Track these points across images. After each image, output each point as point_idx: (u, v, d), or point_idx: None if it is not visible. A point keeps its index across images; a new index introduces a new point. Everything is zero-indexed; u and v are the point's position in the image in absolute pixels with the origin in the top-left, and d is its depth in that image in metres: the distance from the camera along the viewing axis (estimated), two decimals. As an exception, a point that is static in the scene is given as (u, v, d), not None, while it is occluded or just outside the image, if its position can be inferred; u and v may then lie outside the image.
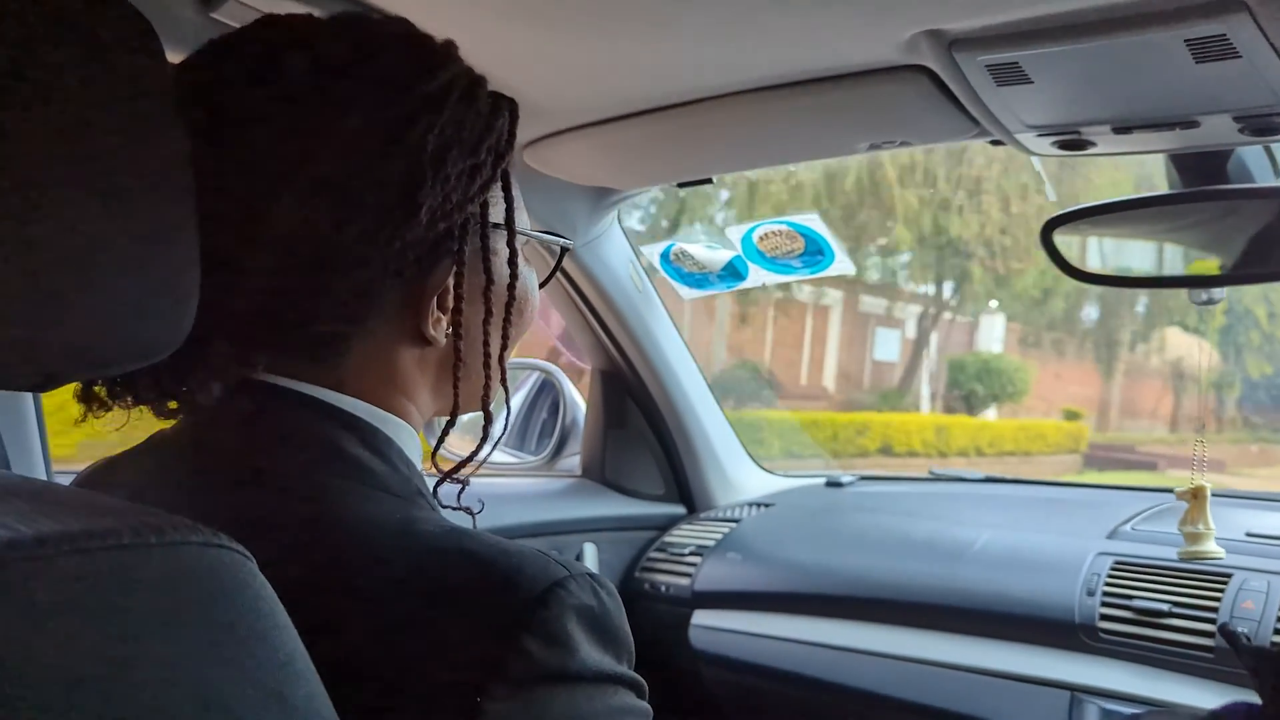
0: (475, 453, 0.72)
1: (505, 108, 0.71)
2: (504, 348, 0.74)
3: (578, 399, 2.04)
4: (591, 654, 0.59)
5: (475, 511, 0.74)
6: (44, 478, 1.18)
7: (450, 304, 0.69)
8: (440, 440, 0.72)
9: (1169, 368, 18.68)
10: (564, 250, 0.85)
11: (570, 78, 1.21)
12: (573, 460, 2.04)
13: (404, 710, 0.55)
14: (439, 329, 0.69)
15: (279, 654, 0.47)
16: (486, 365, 0.72)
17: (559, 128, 1.38)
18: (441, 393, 0.73)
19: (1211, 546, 1.38)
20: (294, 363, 0.67)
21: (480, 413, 0.74)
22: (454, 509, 0.74)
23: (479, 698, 0.54)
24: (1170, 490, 1.76)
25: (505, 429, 2.06)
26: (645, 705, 0.62)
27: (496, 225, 0.71)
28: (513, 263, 0.73)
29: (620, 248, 1.82)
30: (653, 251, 1.84)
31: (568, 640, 0.57)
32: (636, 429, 1.99)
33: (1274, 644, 1.28)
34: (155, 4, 0.49)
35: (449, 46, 0.70)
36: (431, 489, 0.72)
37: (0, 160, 0.43)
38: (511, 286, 0.73)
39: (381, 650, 0.56)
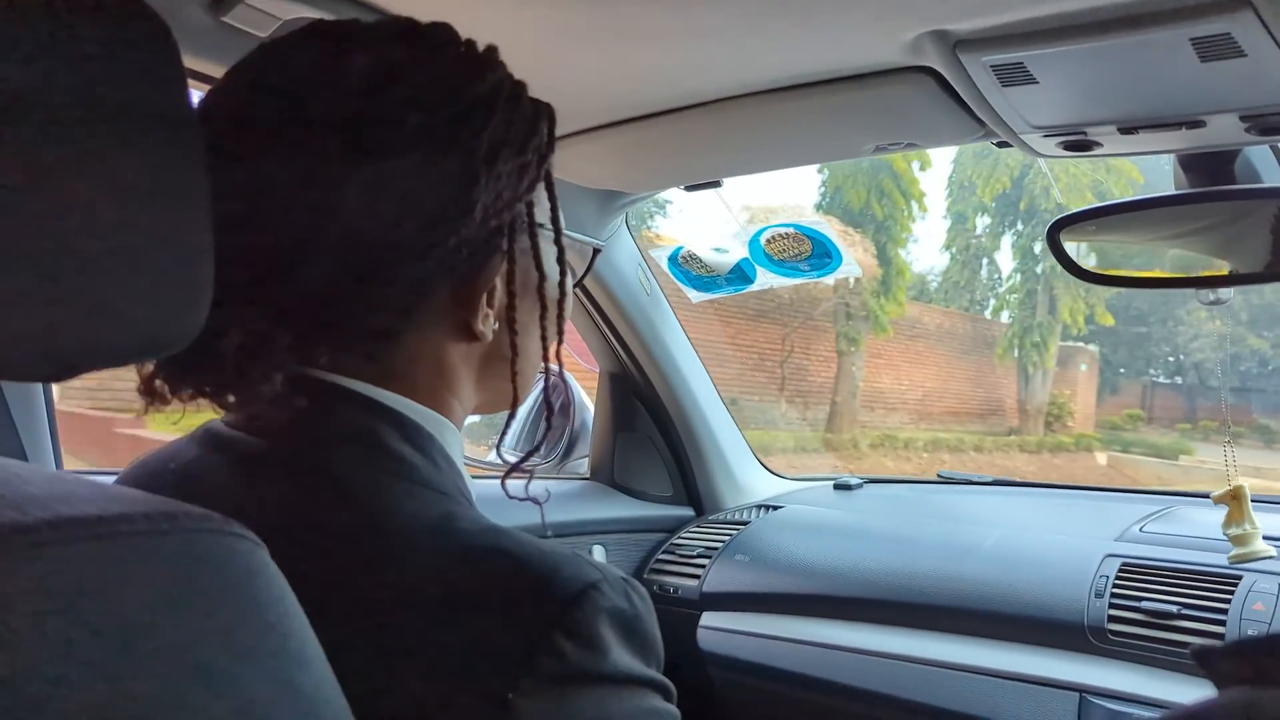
0: (537, 447, 0.75)
1: (545, 111, 0.73)
2: (560, 342, 0.76)
3: (586, 401, 2.05)
4: (622, 656, 0.59)
5: (542, 501, 0.78)
6: (53, 468, 1.19)
7: (499, 300, 0.71)
8: (504, 433, 0.75)
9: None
10: (596, 252, 0.86)
11: (579, 81, 1.21)
12: (581, 463, 2.04)
13: (436, 704, 0.56)
14: (487, 324, 0.71)
15: (290, 641, 0.47)
16: (545, 359, 0.75)
17: (568, 131, 1.38)
18: (485, 387, 0.75)
19: (1261, 545, 1.37)
20: (347, 356, 0.68)
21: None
22: (522, 499, 0.77)
23: (510, 694, 0.55)
24: (1183, 494, 1.76)
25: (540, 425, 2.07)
26: (674, 709, 0.63)
27: (541, 225, 0.73)
28: (561, 260, 0.75)
29: (628, 251, 1.83)
30: (661, 254, 1.84)
31: (599, 642, 0.58)
32: (645, 431, 2.00)
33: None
34: (164, 6, 0.49)
35: (492, 52, 0.72)
36: (499, 482, 0.75)
37: (14, 156, 0.44)
38: (562, 283, 0.75)
39: (416, 643, 0.57)
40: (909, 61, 1.05)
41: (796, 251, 1.67)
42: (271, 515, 0.50)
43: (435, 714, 0.56)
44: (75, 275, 0.45)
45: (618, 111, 1.32)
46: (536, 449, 0.83)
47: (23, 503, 0.43)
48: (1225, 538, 1.41)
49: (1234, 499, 1.41)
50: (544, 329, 0.74)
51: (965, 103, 1.09)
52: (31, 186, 0.44)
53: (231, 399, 0.67)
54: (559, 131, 1.36)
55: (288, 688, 0.46)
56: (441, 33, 0.70)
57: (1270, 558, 1.37)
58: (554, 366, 0.78)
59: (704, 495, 2.03)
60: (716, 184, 1.57)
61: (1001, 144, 1.21)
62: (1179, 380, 18.45)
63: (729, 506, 2.02)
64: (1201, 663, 0.64)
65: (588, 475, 2.04)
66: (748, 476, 2.08)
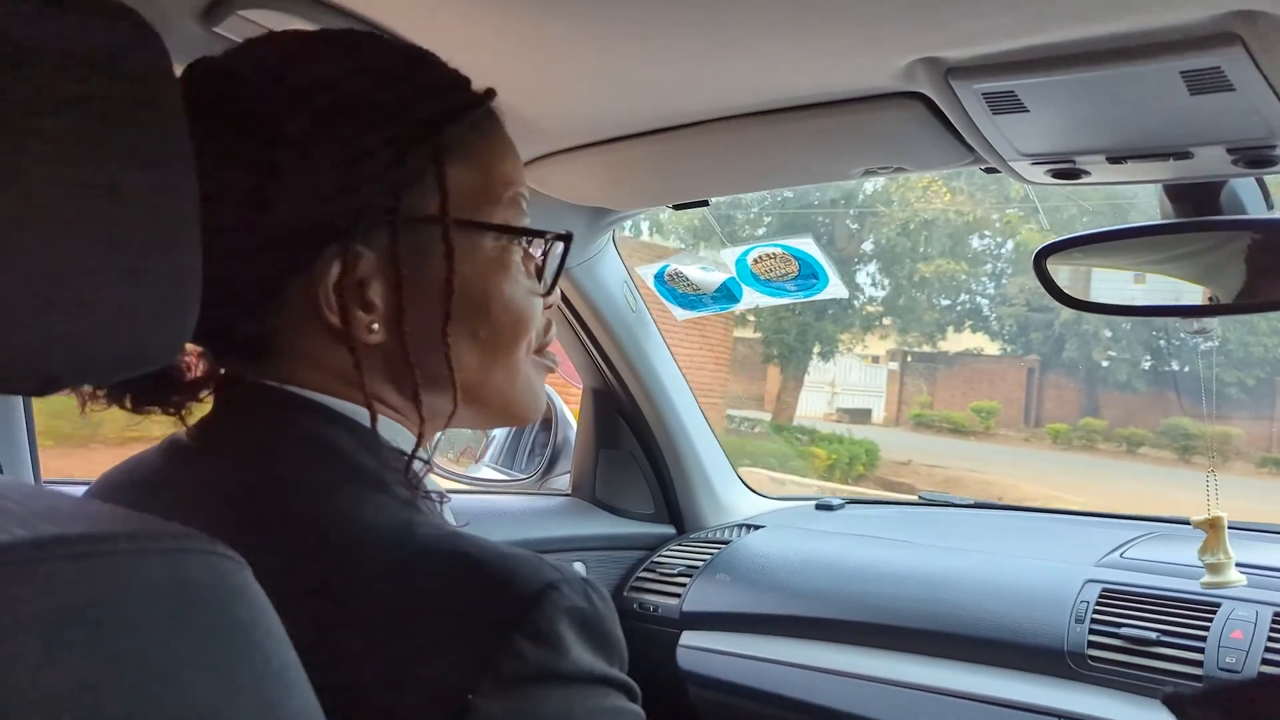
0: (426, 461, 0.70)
1: (433, 92, 0.69)
2: (446, 348, 0.70)
3: (569, 418, 2.04)
4: (583, 655, 0.59)
5: (443, 501, 0.71)
6: (32, 482, 1.18)
7: (378, 302, 0.67)
8: (413, 452, 0.68)
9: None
10: (561, 239, 0.76)
11: (569, 99, 1.21)
12: (563, 479, 2.04)
13: (399, 708, 0.56)
14: (359, 325, 0.67)
15: (273, 664, 0.47)
16: (451, 370, 0.69)
17: (557, 148, 1.38)
18: (406, 395, 0.70)
19: (1234, 575, 1.38)
20: (256, 363, 0.68)
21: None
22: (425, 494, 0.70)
23: (470, 695, 0.55)
24: (1164, 519, 1.77)
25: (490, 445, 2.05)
26: (637, 709, 0.63)
27: (429, 219, 0.68)
28: (448, 256, 0.68)
29: (615, 268, 1.83)
30: (647, 272, 1.84)
31: (559, 641, 0.58)
32: (627, 448, 1.99)
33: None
34: (156, 16, 0.49)
35: (352, 36, 0.72)
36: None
37: (4, 165, 0.43)
38: (449, 282, 0.68)
39: (377, 649, 0.57)
40: (900, 87, 1.06)
41: (783, 271, 1.67)
42: (231, 527, 0.50)
43: (399, 717, 0.56)
44: (64, 288, 0.45)
45: (608, 130, 1.32)
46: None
47: (3, 520, 0.42)
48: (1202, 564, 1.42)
49: (1212, 527, 1.42)
50: (446, 334, 0.68)
51: (955, 129, 1.09)
52: (20, 198, 0.43)
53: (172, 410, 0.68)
54: (548, 149, 1.38)
55: (268, 708, 0.46)
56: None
57: (1241, 586, 1.38)
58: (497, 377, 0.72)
59: (685, 513, 2.02)
60: (704, 203, 1.57)
61: (990, 170, 1.21)
62: (1077, 364, 15.37)
63: (710, 525, 2.02)
64: (1172, 708, 0.64)
65: (569, 491, 2.03)
66: (730, 495, 2.08)
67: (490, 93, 0.72)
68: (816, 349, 14.87)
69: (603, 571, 1.90)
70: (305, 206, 0.64)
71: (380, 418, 0.68)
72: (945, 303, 16.17)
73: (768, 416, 14.75)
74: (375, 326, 0.67)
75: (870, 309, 15.75)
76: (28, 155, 0.44)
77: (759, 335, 15.23)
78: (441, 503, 0.71)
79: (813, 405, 16.73)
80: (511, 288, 0.72)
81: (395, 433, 0.70)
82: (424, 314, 0.68)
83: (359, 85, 0.67)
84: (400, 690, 0.56)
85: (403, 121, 0.67)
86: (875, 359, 17.78)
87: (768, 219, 14.45)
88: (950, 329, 16.35)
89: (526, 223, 0.74)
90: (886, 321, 16.35)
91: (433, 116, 0.68)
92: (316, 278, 0.66)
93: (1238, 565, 1.43)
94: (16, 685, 0.38)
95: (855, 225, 15.09)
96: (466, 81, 0.73)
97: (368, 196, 0.65)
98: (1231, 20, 0.83)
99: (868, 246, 15.42)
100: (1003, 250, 15.78)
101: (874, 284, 15.64)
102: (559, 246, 0.76)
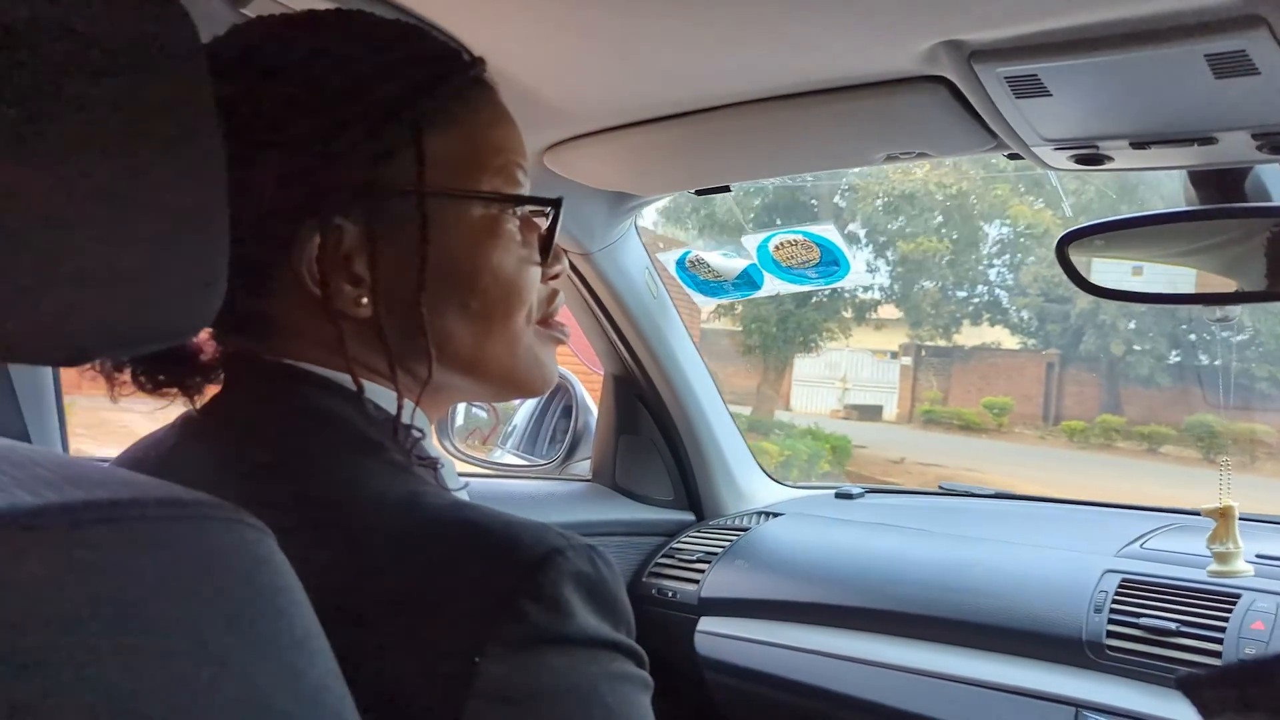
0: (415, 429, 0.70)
1: (411, 68, 0.69)
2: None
3: (590, 403, 2.05)
4: (589, 620, 0.59)
5: (439, 467, 0.72)
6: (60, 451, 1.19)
7: (365, 275, 0.68)
8: (395, 423, 0.69)
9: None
10: (552, 203, 0.75)
11: (591, 82, 1.22)
12: (583, 465, 2.05)
13: (404, 675, 0.56)
14: (342, 299, 0.68)
15: (296, 630, 0.47)
16: (428, 341, 0.69)
17: (579, 132, 1.39)
18: (405, 369, 0.71)
19: (1241, 565, 1.38)
20: (259, 340, 0.69)
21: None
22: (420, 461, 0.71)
23: (477, 659, 0.55)
24: (1183, 511, 1.76)
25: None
26: (644, 674, 0.63)
27: (407, 190, 0.68)
28: (422, 226, 0.68)
29: (636, 254, 1.83)
30: (669, 258, 1.85)
31: (565, 605, 0.58)
32: (648, 435, 2.00)
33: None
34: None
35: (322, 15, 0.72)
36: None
37: (36, 137, 0.44)
38: (422, 252, 0.68)
39: (387, 615, 0.58)
40: (923, 71, 1.05)
41: (804, 259, 1.67)
42: (245, 498, 0.50)
43: (407, 683, 0.56)
44: (93, 259, 0.46)
45: (629, 114, 1.32)
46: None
47: (34, 485, 0.43)
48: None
49: (1223, 516, 1.41)
50: (423, 306, 0.68)
51: (978, 113, 1.09)
52: (50, 172, 0.44)
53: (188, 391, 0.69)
54: (570, 133, 1.39)
55: (292, 674, 0.46)
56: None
57: (1247, 577, 1.38)
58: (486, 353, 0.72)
59: (705, 500, 2.03)
60: (726, 189, 1.57)
61: (1013, 156, 1.21)
62: (1099, 359, 14.12)
63: (730, 512, 2.02)
64: (1187, 691, 0.63)
65: (589, 477, 2.04)
66: (749, 482, 2.08)
67: (475, 61, 0.73)
68: (799, 340, 14.03)
69: (622, 557, 1.91)
70: (281, 183, 0.65)
71: (383, 390, 0.70)
72: (961, 295, 15.11)
73: (748, 411, 13.86)
74: (364, 300, 0.68)
75: (864, 296, 14.61)
76: (54, 132, 0.44)
77: (739, 327, 14.28)
78: (438, 469, 0.71)
79: (821, 401, 16.12)
80: (501, 257, 0.72)
81: (389, 401, 0.70)
82: (411, 286, 0.68)
83: (334, 62, 0.67)
84: (409, 655, 0.57)
85: (378, 95, 0.67)
86: (893, 354, 17.36)
87: (756, 202, 13.61)
88: (966, 322, 15.31)
89: (522, 192, 0.74)
90: (884, 312, 15.23)
91: (409, 88, 0.68)
92: (299, 253, 0.67)
93: (1258, 556, 1.43)
94: (42, 647, 0.38)
95: (843, 203, 14.30)
96: (455, 53, 0.73)
97: (343, 171, 0.66)
98: (1256, 2, 0.83)
99: (857, 229, 14.26)
100: (1001, 231, 14.59)
101: (867, 268, 14.27)
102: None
